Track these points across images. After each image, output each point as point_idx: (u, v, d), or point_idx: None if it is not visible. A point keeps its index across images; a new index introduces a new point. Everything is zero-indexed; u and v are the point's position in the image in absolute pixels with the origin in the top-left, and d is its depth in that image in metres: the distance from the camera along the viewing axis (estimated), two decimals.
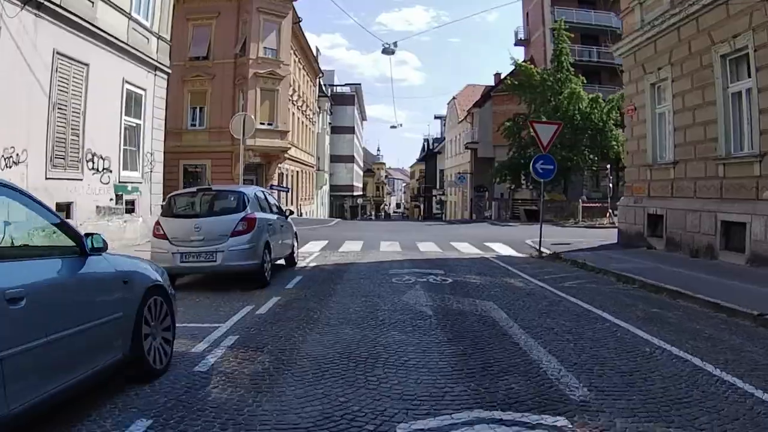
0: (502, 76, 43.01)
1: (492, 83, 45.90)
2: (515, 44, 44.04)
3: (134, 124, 16.37)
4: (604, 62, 39.71)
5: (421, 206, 78.97)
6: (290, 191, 38.96)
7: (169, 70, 19.09)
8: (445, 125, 65.17)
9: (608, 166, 28.67)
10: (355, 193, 64.98)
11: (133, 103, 16.25)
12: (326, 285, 9.17)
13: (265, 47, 32.64)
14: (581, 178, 35.51)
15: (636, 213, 16.65)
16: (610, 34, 41.22)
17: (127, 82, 15.81)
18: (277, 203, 11.41)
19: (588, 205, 29.08)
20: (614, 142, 31.66)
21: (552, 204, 31.56)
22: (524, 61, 35.66)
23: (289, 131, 32.74)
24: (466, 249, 15.73)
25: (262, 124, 31.90)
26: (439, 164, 61.71)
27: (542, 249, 15.32)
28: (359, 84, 64.99)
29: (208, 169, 32.99)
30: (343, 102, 62.52)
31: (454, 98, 49.08)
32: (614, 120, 32.54)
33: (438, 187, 60.14)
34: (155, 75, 18.18)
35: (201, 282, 9.43)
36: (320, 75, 51.12)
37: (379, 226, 29.51)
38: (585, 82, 32.71)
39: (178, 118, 33.51)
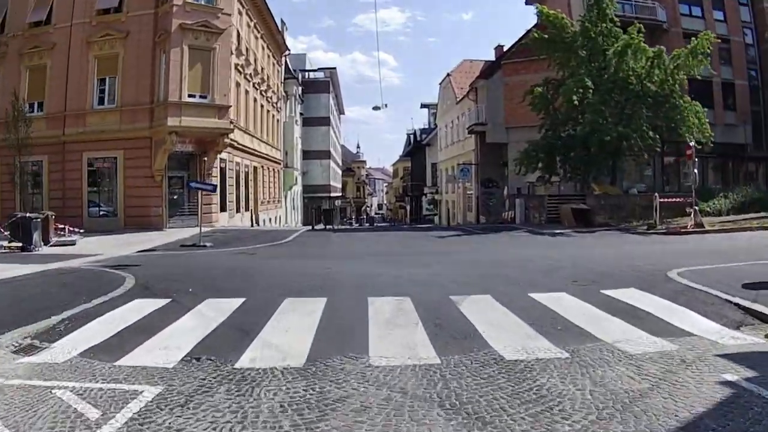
0: (506, 48, 33.22)
1: (492, 58, 36.04)
2: (526, 2, 34.26)
3: None
4: (643, 18, 30.16)
5: (407, 207, 69.09)
6: (246, 192, 28.75)
7: None
8: (435, 114, 55.38)
9: (692, 144, 18.93)
10: (332, 194, 54.73)
11: None
12: None
13: None
14: (623, 165, 25.83)
15: None
16: None
17: None
18: None
19: (664, 200, 19.35)
20: (687, 113, 22.00)
21: (606, 200, 21.81)
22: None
23: (230, 106, 22.49)
24: (614, 330, 5.54)
25: (191, 96, 21.74)
26: (429, 158, 51.63)
27: None
28: (334, 68, 54.65)
29: (120, 163, 22.69)
30: (316, 89, 52.27)
31: (448, 75, 39.12)
32: (680, 83, 22.98)
33: (430, 184, 50.11)
34: None
35: None
36: (286, 52, 40.95)
37: (362, 241, 19.08)
38: (643, 30, 22.97)
39: (80, 95, 23.09)
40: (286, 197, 41.57)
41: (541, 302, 6.73)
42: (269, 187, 35.06)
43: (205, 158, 22.33)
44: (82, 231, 17.16)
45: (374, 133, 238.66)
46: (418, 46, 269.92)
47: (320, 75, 54.15)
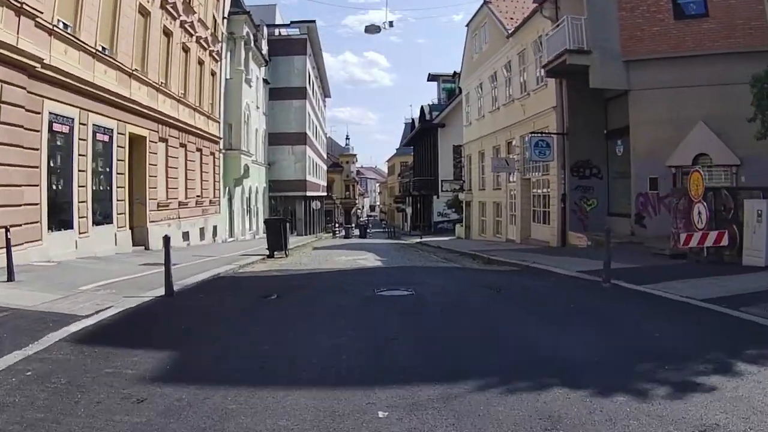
0: None
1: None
2: None
3: None
4: None
5: (408, 210, 53.63)
6: (103, 184, 13.36)
7: None
8: (448, 89, 40.21)
9: None
10: (310, 193, 39.21)
11: None
12: None
13: None
14: None
15: None
16: None
17: None
18: None
19: None
20: None
21: None
22: None
23: None
24: None
25: None
26: (443, 142, 36.06)
27: None
28: (313, 21, 38.63)
29: None
30: (287, 50, 36.92)
31: (486, 3, 23.76)
32: None
33: (451, 178, 34.53)
34: None
35: None
36: None
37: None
38: None
39: None
40: (231, 197, 26.19)
41: None
42: (187, 179, 19.69)
43: None
44: None
45: (365, 134, 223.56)
46: (409, 47, 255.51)
47: (294, 31, 38.74)
